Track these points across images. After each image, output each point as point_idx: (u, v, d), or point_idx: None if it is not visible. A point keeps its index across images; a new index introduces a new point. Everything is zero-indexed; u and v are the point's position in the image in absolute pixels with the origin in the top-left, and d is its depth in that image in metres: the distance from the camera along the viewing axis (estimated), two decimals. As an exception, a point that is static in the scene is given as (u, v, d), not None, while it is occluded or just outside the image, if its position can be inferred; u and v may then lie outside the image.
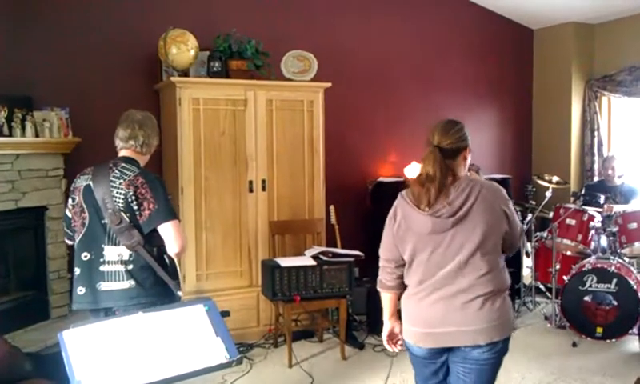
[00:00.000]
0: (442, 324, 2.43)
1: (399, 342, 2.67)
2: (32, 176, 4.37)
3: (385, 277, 2.59)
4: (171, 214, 2.83)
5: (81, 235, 2.90)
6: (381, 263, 2.60)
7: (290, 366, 4.47)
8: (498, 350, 2.45)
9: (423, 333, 2.49)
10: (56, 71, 4.76)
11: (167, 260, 2.89)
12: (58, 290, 4.53)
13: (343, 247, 5.00)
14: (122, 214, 2.78)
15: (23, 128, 4.28)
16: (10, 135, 4.21)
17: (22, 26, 4.65)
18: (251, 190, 4.98)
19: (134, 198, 2.78)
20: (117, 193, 2.79)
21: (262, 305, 4.98)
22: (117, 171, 2.85)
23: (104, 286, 2.81)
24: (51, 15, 4.78)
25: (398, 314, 2.64)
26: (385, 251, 2.57)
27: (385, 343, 2.71)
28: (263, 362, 4.60)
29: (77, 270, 2.90)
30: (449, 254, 2.40)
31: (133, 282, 2.81)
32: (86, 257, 2.86)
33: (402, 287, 2.57)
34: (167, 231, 2.80)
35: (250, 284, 5.01)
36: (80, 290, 2.86)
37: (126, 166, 2.88)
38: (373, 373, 4.30)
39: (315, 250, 4.79)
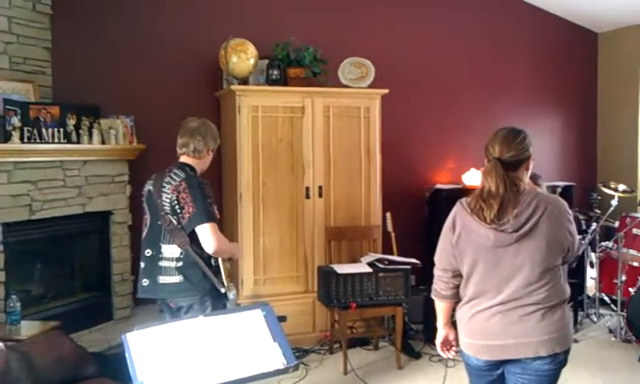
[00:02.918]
0: (501, 336, 2.39)
1: (453, 348, 2.65)
2: (98, 181, 4.53)
3: (440, 286, 2.55)
4: (207, 216, 3.05)
5: (144, 234, 3.27)
6: (437, 272, 2.56)
7: (345, 372, 4.47)
8: (559, 361, 2.41)
9: (481, 345, 2.45)
10: (122, 81, 4.94)
11: (213, 260, 3.15)
12: (121, 292, 4.67)
13: (400, 255, 4.96)
14: (169, 216, 3.07)
15: (90, 135, 4.43)
16: (78, 142, 4.37)
17: (90, 37, 4.84)
18: (308, 197, 5.02)
19: (176, 202, 3.07)
20: (165, 198, 3.10)
21: (317, 311, 5.00)
22: (168, 177, 3.13)
23: (162, 279, 3.14)
24: (117, 28, 4.96)
25: (452, 322, 2.62)
26: (441, 261, 2.53)
27: (438, 349, 2.70)
28: (319, 367, 4.62)
29: (142, 264, 3.26)
30: (510, 269, 2.36)
31: (182, 277, 3.10)
32: (148, 253, 3.21)
33: (458, 297, 2.53)
34: (202, 232, 3.04)
35: (305, 290, 5.04)
36: (144, 282, 3.21)
37: (177, 171, 3.15)
38: (429, 383, 4.25)
39: (371, 256, 4.78)
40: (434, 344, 2.72)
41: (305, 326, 4.97)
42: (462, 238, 2.43)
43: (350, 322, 4.76)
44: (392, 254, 5.02)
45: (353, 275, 4.50)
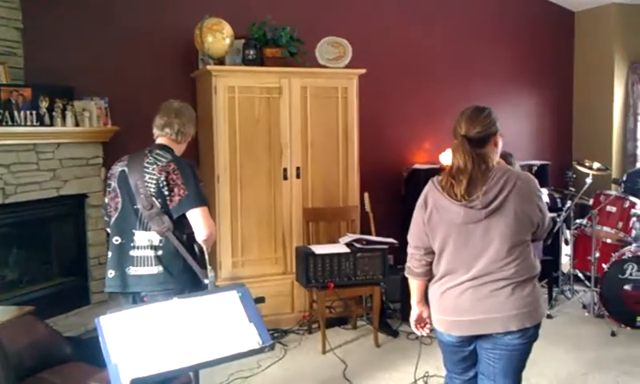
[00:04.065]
0: (471, 312, 2.43)
1: (427, 326, 2.70)
2: (72, 164, 4.48)
3: (413, 264, 2.59)
4: (200, 200, 2.88)
5: (113, 220, 3.00)
6: (409, 250, 2.60)
7: (324, 352, 4.50)
8: (530, 336, 2.46)
9: (452, 321, 2.49)
10: (96, 61, 4.84)
11: (196, 248, 2.95)
12: (97, 276, 4.63)
13: (377, 235, 4.99)
14: (154, 199, 2.86)
15: (64, 117, 4.37)
16: (52, 125, 4.31)
17: (63, 17, 4.74)
18: (286, 178, 5.01)
19: (165, 183, 2.86)
20: (149, 178, 2.87)
21: (296, 291, 5.02)
22: (151, 157, 2.93)
23: (133, 270, 2.91)
24: (91, 6, 4.87)
25: (425, 299, 2.65)
26: (414, 239, 2.57)
27: (412, 327, 2.74)
28: (297, 348, 4.64)
29: (109, 254, 3.02)
30: (480, 245, 2.39)
31: (161, 268, 2.89)
32: (117, 241, 2.96)
33: (431, 274, 2.57)
34: (195, 217, 2.86)
35: (284, 271, 5.04)
36: (110, 273, 2.97)
37: (160, 152, 2.96)
38: (406, 360, 4.29)
39: (349, 237, 4.80)
40: (410, 322, 2.77)
41: (283, 307, 4.99)
42: (433, 215, 2.46)
43: (328, 302, 4.79)
44: (370, 234, 5.04)
45: (331, 255, 4.52)
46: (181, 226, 2.91)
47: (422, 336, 2.78)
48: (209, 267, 2.88)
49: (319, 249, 4.59)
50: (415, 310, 2.69)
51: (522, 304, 2.40)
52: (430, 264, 2.55)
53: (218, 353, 2.14)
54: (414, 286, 2.65)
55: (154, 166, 2.90)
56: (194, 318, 2.20)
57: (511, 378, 2.53)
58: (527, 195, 2.40)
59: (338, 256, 4.53)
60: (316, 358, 4.46)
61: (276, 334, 4.76)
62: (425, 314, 2.67)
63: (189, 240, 2.94)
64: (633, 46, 6.73)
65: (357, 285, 4.60)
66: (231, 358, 2.18)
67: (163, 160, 2.92)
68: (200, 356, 2.11)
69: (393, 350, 4.56)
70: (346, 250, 4.59)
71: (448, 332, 2.53)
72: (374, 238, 4.86)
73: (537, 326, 2.47)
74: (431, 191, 2.49)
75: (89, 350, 3.19)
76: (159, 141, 3.08)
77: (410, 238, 2.59)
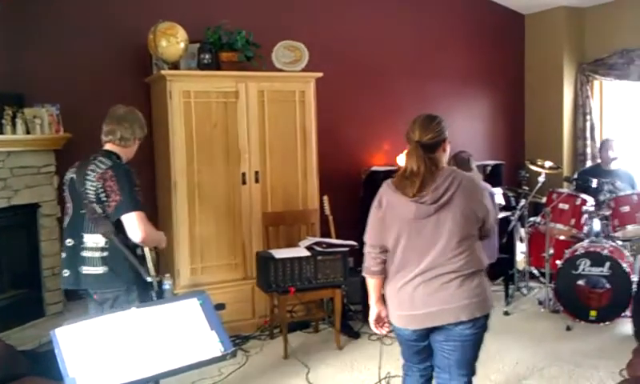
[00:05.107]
0: (425, 305, 2.57)
1: (386, 325, 2.81)
2: (24, 173, 4.35)
3: (370, 262, 2.72)
4: (133, 205, 2.98)
5: (66, 223, 3.19)
6: (366, 249, 2.74)
7: (286, 356, 4.49)
8: (480, 326, 2.62)
9: (408, 315, 2.63)
10: (47, 67, 4.71)
11: (139, 249, 3.06)
12: (52, 287, 4.52)
13: (337, 237, 5.00)
14: (94, 205, 2.98)
15: (14, 125, 4.25)
16: (1, 133, 4.19)
17: (13, 23, 4.61)
18: (244, 182, 4.98)
19: (102, 190, 2.97)
20: (90, 186, 3.00)
21: (257, 297, 4.99)
22: (92, 165, 3.04)
23: (85, 269, 3.07)
24: (42, 12, 4.74)
25: (383, 299, 2.77)
26: (370, 237, 2.71)
27: (372, 327, 2.84)
28: (259, 353, 4.61)
29: (63, 254, 3.19)
30: (431, 239, 2.55)
31: (107, 268, 3.03)
32: (69, 243, 3.13)
33: (386, 272, 2.71)
34: (129, 222, 2.97)
35: (244, 276, 5.01)
36: (65, 272, 3.15)
37: (102, 159, 3.06)
38: (368, 361, 4.32)
39: (309, 240, 4.79)
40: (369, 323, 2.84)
41: (244, 313, 4.96)
42: (387, 213, 2.63)
43: (289, 307, 4.77)
44: (330, 236, 5.05)
45: (291, 260, 4.50)
46: (124, 229, 3.00)
47: (382, 335, 2.88)
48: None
49: (279, 253, 4.57)
50: (374, 309, 2.79)
51: (472, 295, 2.56)
52: (386, 262, 2.69)
53: (180, 362, 2.12)
54: (372, 285, 2.76)
55: (94, 174, 3.00)
56: (153, 327, 2.17)
57: (465, 368, 2.69)
58: (473, 193, 2.60)
59: (298, 260, 4.52)
60: (278, 363, 4.43)
61: (237, 341, 4.72)
62: (383, 314, 2.78)
63: (134, 242, 3.03)
64: (581, 47, 6.93)
65: (318, 288, 4.60)
66: (193, 367, 2.16)
67: (102, 167, 3.02)
68: (161, 365, 2.08)
69: (355, 352, 4.58)
70: (307, 253, 4.58)
71: (405, 327, 2.67)
72: (334, 240, 4.86)
73: (486, 317, 2.64)
74: (385, 191, 2.67)
75: (45, 364, 3.10)
76: (105, 147, 3.18)
77: (366, 237, 2.73)
